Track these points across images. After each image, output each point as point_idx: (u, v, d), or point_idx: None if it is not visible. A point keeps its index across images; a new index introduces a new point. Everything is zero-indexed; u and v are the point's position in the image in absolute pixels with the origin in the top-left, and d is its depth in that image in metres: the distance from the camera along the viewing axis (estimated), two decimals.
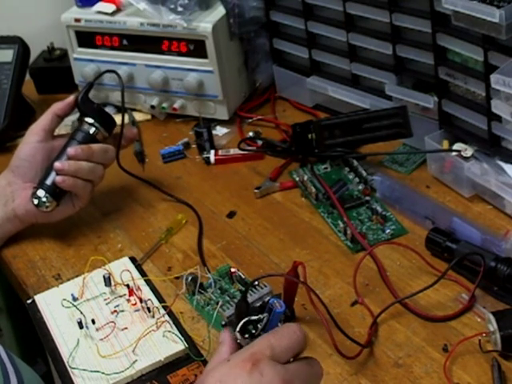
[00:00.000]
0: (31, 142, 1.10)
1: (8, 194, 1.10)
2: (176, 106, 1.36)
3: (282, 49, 1.38)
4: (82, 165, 1.08)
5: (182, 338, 0.91)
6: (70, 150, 1.08)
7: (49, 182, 1.08)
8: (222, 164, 1.26)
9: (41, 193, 1.08)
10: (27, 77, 1.49)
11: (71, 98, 1.12)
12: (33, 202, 1.08)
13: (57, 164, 1.08)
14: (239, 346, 0.75)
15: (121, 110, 1.15)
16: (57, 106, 1.12)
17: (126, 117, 1.19)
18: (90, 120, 1.11)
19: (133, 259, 1.06)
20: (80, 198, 1.10)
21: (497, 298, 0.92)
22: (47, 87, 1.53)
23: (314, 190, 1.13)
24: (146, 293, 0.98)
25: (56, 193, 1.08)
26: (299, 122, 1.21)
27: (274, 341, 0.71)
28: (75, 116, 1.39)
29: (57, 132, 1.38)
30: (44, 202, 1.08)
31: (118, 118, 1.16)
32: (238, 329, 0.84)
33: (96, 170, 1.10)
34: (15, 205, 1.09)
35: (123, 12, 1.36)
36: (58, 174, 1.08)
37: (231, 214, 1.14)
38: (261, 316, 0.83)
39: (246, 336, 0.81)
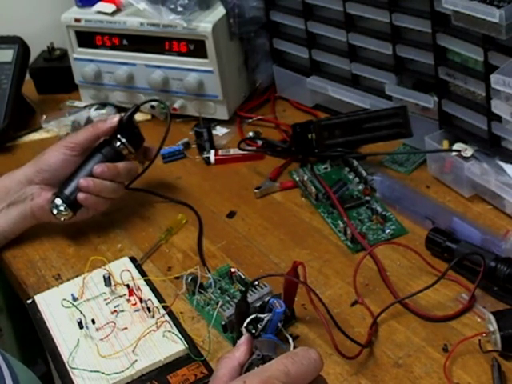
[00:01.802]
0: (66, 153, 1.09)
1: (27, 191, 1.10)
2: (176, 106, 1.36)
3: (282, 49, 1.37)
4: (106, 185, 1.09)
5: (182, 338, 0.90)
6: (97, 169, 1.08)
7: (70, 194, 1.08)
8: (221, 164, 1.26)
9: (60, 203, 1.08)
10: (27, 77, 1.49)
11: (115, 119, 1.10)
12: (51, 210, 1.08)
13: (82, 181, 1.08)
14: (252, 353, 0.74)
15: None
16: (100, 128, 1.10)
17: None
18: (122, 139, 1.11)
19: (133, 259, 1.06)
20: (96, 209, 1.12)
21: (497, 298, 0.92)
22: (47, 87, 1.53)
23: (314, 190, 1.13)
24: (146, 293, 0.98)
25: (75, 205, 1.09)
26: (299, 122, 1.21)
27: (291, 366, 0.69)
28: (75, 116, 1.40)
29: (57, 132, 1.38)
30: (61, 211, 1.08)
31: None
32: (244, 325, 0.84)
33: (118, 189, 1.11)
34: (33, 204, 1.09)
35: (123, 12, 1.36)
36: (80, 190, 1.08)
37: (231, 214, 1.14)
38: (267, 315, 0.84)
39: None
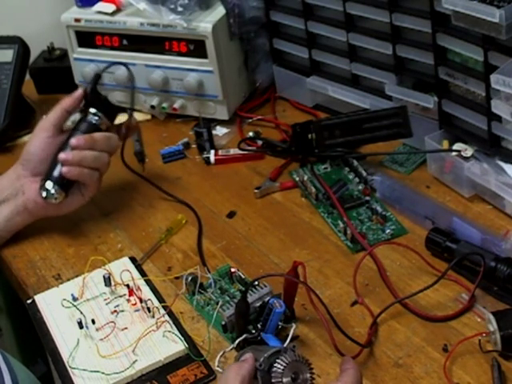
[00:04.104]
0: (41, 137, 1.10)
1: (18, 187, 1.10)
2: (176, 106, 1.36)
3: (282, 49, 1.37)
4: (85, 154, 1.09)
5: (182, 338, 0.91)
6: (73, 141, 1.09)
7: (55, 173, 1.09)
8: (221, 164, 1.26)
9: (48, 185, 1.08)
10: (27, 77, 1.49)
11: (79, 91, 1.12)
12: (41, 194, 1.08)
13: (61, 155, 1.08)
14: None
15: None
16: (65, 102, 1.12)
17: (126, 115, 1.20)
18: (93, 110, 1.12)
19: (133, 259, 1.06)
20: (88, 187, 1.11)
21: (497, 298, 0.92)
22: (47, 87, 1.53)
23: (313, 190, 1.13)
24: (146, 293, 0.98)
25: (63, 183, 1.09)
26: (299, 122, 1.21)
27: None
28: (75, 116, 1.40)
29: None
30: (52, 194, 1.08)
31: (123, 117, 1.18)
32: (236, 343, 0.85)
33: (101, 157, 1.10)
34: (25, 198, 1.09)
35: (123, 12, 1.36)
36: (63, 165, 1.08)
37: (231, 214, 1.14)
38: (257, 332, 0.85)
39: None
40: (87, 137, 1.10)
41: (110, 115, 1.13)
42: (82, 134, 1.10)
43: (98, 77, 1.15)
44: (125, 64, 1.22)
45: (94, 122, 1.11)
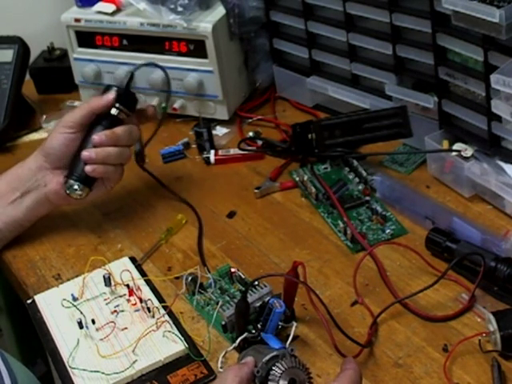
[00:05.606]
0: (64, 132, 1.08)
1: (39, 178, 1.09)
2: (176, 106, 1.36)
3: (282, 49, 1.38)
4: (109, 151, 1.07)
5: (182, 338, 0.90)
6: (95, 138, 1.07)
7: (79, 170, 1.08)
8: (221, 164, 1.26)
9: (73, 182, 1.08)
10: (27, 77, 1.49)
11: (111, 97, 1.08)
12: (66, 191, 1.08)
13: (84, 153, 1.07)
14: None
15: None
16: (95, 103, 1.09)
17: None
18: (116, 104, 1.09)
19: (133, 259, 1.06)
20: (111, 179, 1.11)
21: (497, 298, 0.92)
22: (47, 87, 1.53)
23: (313, 189, 1.13)
24: (146, 293, 0.98)
25: (87, 180, 1.08)
26: (299, 122, 1.21)
27: None
28: None
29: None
30: (76, 190, 1.08)
31: None
32: (236, 343, 0.85)
33: (123, 153, 1.10)
34: (47, 190, 1.09)
35: (123, 12, 1.36)
36: (86, 163, 1.07)
37: (231, 214, 1.14)
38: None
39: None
40: (109, 133, 1.08)
41: (130, 105, 1.11)
42: (102, 128, 1.08)
43: (131, 76, 1.13)
44: (157, 64, 1.23)
45: (116, 115, 1.09)
